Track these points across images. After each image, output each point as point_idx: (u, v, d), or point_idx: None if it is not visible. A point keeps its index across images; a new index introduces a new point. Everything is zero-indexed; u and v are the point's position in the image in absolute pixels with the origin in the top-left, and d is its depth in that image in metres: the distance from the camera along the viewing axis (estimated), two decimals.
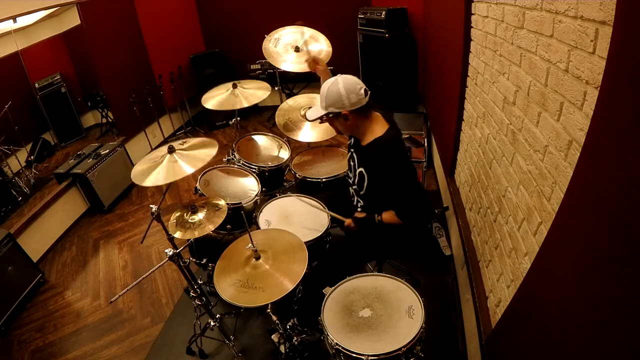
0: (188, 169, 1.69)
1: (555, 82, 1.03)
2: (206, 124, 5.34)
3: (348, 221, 1.79)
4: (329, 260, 1.84)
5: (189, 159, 1.74)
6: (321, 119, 1.63)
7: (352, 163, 1.75)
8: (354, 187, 1.75)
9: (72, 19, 3.68)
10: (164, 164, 1.71)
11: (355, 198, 1.80)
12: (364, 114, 1.56)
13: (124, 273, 2.95)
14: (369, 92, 1.54)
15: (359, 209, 1.77)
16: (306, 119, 1.70)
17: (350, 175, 1.78)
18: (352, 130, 1.62)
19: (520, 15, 1.29)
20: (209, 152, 1.79)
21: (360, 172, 1.64)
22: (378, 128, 1.57)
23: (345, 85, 1.49)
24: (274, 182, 2.52)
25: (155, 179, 1.66)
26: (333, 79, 1.54)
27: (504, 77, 1.52)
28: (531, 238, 1.18)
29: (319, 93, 1.66)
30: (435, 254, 2.65)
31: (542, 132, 1.13)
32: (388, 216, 1.64)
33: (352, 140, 1.75)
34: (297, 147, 2.69)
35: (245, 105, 2.35)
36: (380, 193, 1.63)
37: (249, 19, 4.93)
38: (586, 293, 0.78)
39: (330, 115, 1.56)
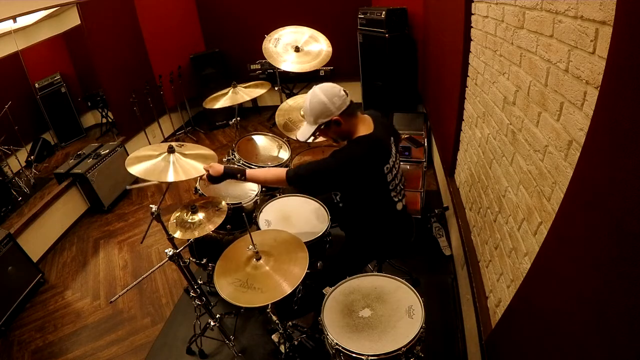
0: (181, 176, 1.67)
1: (555, 82, 1.03)
2: (206, 124, 5.33)
3: (203, 174, 1.69)
4: (330, 260, 1.84)
5: (185, 166, 1.73)
6: (314, 135, 1.58)
7: None
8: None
9: (72, 19, 3.68)
10: (160, 162, 1.71)
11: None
12: (351, 114, 1.54)
13: (124, 273, 2.95)
14: (348, 93, 1.53)
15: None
16: (300, 141, 1.65)
17: None
18: (345, 134, 1.58)
19: (520, 15, 1.29)
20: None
21: None
22: (363, 129, 1.55)
23: (324, 92, 1.49)
24: None
25: (146, 172, 1.66)
26: (310, 92, 1.52)
27: (504, 77, 1.52)
28: (531, 238, 1.18)
29: None
30: (435, 254, 2.65)
31: (542, 132, 1.13)
32: (264, 173, 1.64)
33: None
34: (297, 147, 2.69)
35: (247, 99, 2.34)
36: (352, 195, 1.62)
37: (249, 19, 4.94)
38: (586, 293, 0.78)
39: (322, 126, 1.53)
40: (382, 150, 1.54)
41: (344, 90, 1.52)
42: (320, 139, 1.72)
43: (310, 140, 1.61)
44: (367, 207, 1.66)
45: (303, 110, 1.55)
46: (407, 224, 1.78)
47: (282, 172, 1.56)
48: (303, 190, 1.73)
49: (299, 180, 1.54)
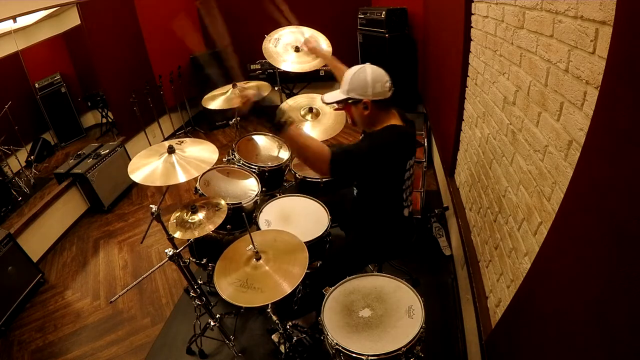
0: (182, 177, 1.67)
1: (555, 82, 1.03)
2: (206, 124, 5.33)
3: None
4: (330, 260, 1.84)
5: (187, 164, 1.73)
6: (338, 104, 1.55)
7: None
8: None
9: (72, 19, 3.68)
10: (161, 165, 1.71)
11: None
12: (384, 108, 1.51)
13: (124, 273, 2.95)
14: (393, 88, 1.50)
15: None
16: (323, 102, 1.61)
17: None
18: (367, 122, 1.54)
19: (520, 15, 1.29)
20: (209, 159, 1.78)
21: None
22: (393, 121, 1.53)
23: (372, 74, 1.45)
24: (274, 182, 2.52)
25: (150, 178, 1.65)
26: (361, 65, 1.49)
27: (504, 77, 1.52)
28: (531, 238, 1.18)
29: (319, 93, 1.65)
30: (435, 254, 2.65)
31: (542, 132, 1.13)
32: (311, 140, 1.39)
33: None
34: None
35: None
36: (372, 178, 1.56)
37: (249, 19, 4.93)
38: (586, 293, 0.78)
39: (350, 101, 1.50)
40: (411, 145, 1.56)
41: (391, 83, 1.49)
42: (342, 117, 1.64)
43: (332, 107, 1.59)
44: (378, 205, 1.64)
45: (344, 76, 1.51)
46: (410, 229, 1.79)
47: (325, 148, 1.35)
48: (340, 176, 1.60)
49: (339, 164, 1.36)
